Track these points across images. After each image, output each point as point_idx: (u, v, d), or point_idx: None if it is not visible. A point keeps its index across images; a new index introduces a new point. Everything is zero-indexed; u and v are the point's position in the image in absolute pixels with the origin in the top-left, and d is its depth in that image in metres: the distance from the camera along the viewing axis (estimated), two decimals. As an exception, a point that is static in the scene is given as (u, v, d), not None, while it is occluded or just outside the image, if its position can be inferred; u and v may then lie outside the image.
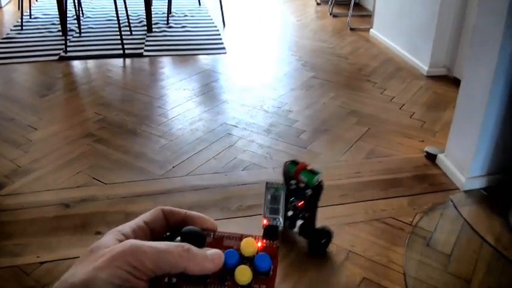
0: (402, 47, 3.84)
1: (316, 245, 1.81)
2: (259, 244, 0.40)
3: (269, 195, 0.43)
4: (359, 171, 2.32)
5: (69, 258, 1.76)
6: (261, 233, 0.42)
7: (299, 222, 1.80)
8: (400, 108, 2.96)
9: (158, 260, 0.35)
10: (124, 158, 2.40)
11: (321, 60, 3.77)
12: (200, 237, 0.39)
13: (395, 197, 2.14)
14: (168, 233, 0.41)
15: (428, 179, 2.27)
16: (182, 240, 0.38)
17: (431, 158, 2.41)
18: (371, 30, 4.40)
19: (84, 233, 1.90)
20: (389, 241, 1.87)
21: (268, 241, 0.41)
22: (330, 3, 5.18)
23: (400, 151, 2.50)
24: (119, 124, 2.74)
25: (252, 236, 0.41)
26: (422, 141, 2.58)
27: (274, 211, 0.42)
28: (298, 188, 1.74)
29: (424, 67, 3.50)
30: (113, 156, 2.42)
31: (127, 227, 0.40)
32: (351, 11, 4.65)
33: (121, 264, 0.34)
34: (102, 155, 2.43)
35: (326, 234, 1.82)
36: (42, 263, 1.75)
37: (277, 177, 2.25)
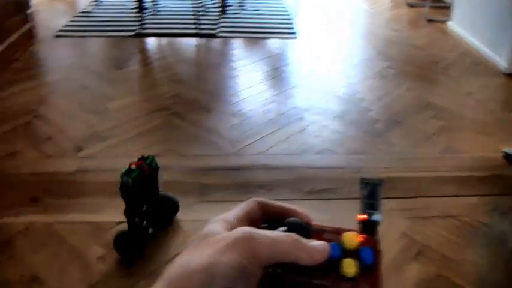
0: (481, 41, 3.71)
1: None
2: (360, 239, 0.40)
3: (365, 191, 0.42)
4: (434, 165, 2.26)
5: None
6: (351, 224, 0.41)
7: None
8: (477, 105, 2.87)
9: (273, 248, 0.35)
10: (197, 132, 2.44)
11: (396, 51, 3.70)
12: (306, 230, 0.39)
13: (471, 195, 2.07)
14: (264, 225, 0.41)
15: (505, 180, 2.19)
16: (288, 231, 0.38)
17: (510, 158, 2.32)
18: (448, 22, 4.26)
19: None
20: (463, 238, 1.82)
21: (368, 236, 0.40)
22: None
23: (477, 149, 2.42)
24: (193, 100, 2.78)
25: (351, 230, 0.40)
26: (501, 140, 2.48)
27: (371, 206, 0.41)
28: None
29: (503, 63, 3.36)
30: (187, 129, 2.47)
31: (229, 216, 0.39)
32: (429, 2, 4.51)
33: (240, 251, 0.34)
34: (176, 127, 2.48)
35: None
36: (118, 223, 1.81)
37: (350, 164, 2.23)
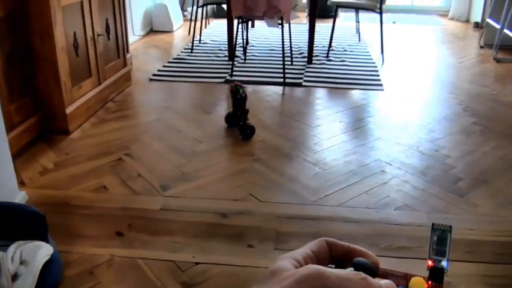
0: None
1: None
2: (425, 286, 0.40)
3: (435, 237, 0.43)
4: (519, 229, 2.17)
5: (222, 264, 1.88)
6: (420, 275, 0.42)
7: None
8: None
9: (340, 286, 0.35)
10: (279, 180, 2.50)
11: (483, 106, 3.61)
12: (373, 270, 0.39)
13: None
14: (332, 264, 0.42)
15: None
16: (355, 271, 0.38)
17: None
18: (540, 80, 4.12)
19: (238, 243, 2.01)
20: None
21: (434, 283, 0.41)
22: (494, 46, 4.94)
23: None
24: (276, 147, 2.87)
25: (419, 276, 0.41)
26: None
27: (440, 253, 0.42)
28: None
29: None
30: (270, 176, 2.54)
31: (297, 254, 0.41)
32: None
33: (307, 286, 0.35)
34: (259, 173, 2.56)
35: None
36: (197, 263, 1.89)
37: (430, 223, 2.19)
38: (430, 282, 0.41)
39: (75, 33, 3.03)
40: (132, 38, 5.04)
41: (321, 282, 0.35)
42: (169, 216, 2.20)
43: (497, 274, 1.89)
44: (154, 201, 2.30)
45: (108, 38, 3.57)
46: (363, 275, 0.37)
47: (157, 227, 2.12)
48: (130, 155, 2.74)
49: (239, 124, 2.99)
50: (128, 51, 4.05)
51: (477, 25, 6.32)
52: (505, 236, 2.12)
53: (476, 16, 6.45)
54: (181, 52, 4.83)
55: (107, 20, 3.52)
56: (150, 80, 4.06)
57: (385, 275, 0.41)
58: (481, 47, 5.39)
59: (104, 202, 2.30)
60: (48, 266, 1.71)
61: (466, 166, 2.70)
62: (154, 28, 5.78)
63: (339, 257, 0.42)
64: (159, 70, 4.26)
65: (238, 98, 2.98)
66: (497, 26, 4.95)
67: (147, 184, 2.45)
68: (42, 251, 1.73)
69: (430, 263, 0.42)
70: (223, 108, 3.54)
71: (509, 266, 1.94)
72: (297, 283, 0.35)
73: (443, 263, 0.42)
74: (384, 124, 3.28)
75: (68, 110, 2.96)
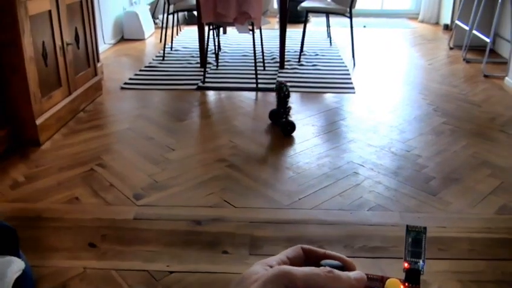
0: (544, 100, 3.63)
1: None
2: (403, 286, 0.40)
3: (410, 238, 0.43)
4: (490, 226, 2.21)
5: (198, 272, 1.87)
6: (397, 276, 0.42)
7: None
8: (539, 164, 2.79)
9: (308, 281, 0.36)
10: (253, 185, 2.50)
11: (453, 106, 3.67)
12: (342, 268, 0.40)
13: (528, 260, 2.00)
14: None
15: None
16: None
17: None
18: (506, 78, 4.21)
19: (212, 250, 2.00)
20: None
21: (410, 285, 0.41)
22: (463, 48, 5.04)
23: (536, 210, 2.35)
24: (250, 153, 2.87)
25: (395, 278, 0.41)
26: None
27: (415, 254, 0.43)
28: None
29: None
30: (243, 181, 2.53)
31: (272, 260, 0.41)
32: (486, 58, 4.48)
33: (276, 286, 0.36)
34: (233, 179, 2.55)
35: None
36: (171, 272, 1.87)
37: (404, 222, 2.22)
38: (406, 284, 0.41)
39: (43, 43, 2.99)
40: (102, 47, 5.00)
41: (287, 280, 0.36)
42: (143, 225, 2.17)
43: (469, 270, 1.92)
44: (127, 211, 2.28)
45: (78, 47, 3.53)
46: (329, 269, 0.38)
47: (130, 237, 2.09)
48: (102, 165, 2.71)
49: (281, 121, 3.16)
50: (98, 60, 4.01)
51: (446, 27, 6.44)
52: (476, 233, 2.15)
53: (446, 18, 6.57)
54: (153, 60, 4.81)
55: (76, 28, 3.48)
56: (122, 88, 4.03)
57: None
58: (451, 48, 5.49)
59: (76, 214, 2.27)
60: (20, 282, 1.67)
61: (438, 165, 2.74)
62: (125, 36, 5.74)
63: (315, 263, 0.42)
64: (130, 78, 4.23)
65: (282, 96, 3.15)
66: (466, 28, 5.05)
67: (120, 194, 2.42)
68: (14, 267, 1.69)
69: (406, 265, 0.42)
70: (196, 114, 3.53)
71: (481, 262, 1.97)
72: (265, 284, 0.36)
73: (418, 265, 0.42)
74: (356, 126, 3.31)
75: (38, 121, 2.92)
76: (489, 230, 2.17)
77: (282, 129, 3.14)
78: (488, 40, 4.48)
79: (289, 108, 3.17)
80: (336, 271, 0.38)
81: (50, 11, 3.05)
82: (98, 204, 2.34)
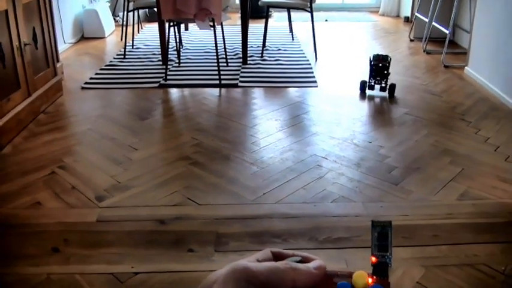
0: (498, 86, 3.72)
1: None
2: (370, 280, 0.40)
3: (376, 233, 0.43)
4: (451, 212, 2.25)
5: (163, 272, 1.85)
6: (365, 270, 0.42)
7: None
8: (496, 150, 2.86)
9: (268, 274, 0.37)
10: (218, 182, 2.49)
11: (414, 97, 3.73)
12: (301, 262, 0.40)
13: (488, 242, 2.05)
14: None
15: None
16: None
17: (529, 203, 2.30)
18: (466, 68, 4.30)
19: (177, 249, 1.98)
20: (480, 288, 1.80)
21: (379, 278, 0.41)
22: (423, 39, 5.13)
23: (495, 195, 2.40)
24: (214, 149, 2.85)
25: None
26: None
27: (382, 248, 0.43)
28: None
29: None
30: (207, 179, 2.52)
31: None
32: (445, 48, 4.57)
33: (236, 282, 0.36)
34: (197, 177, 2.54)
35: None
36: (136, 273, 1.85)
37: (367, 212, 2.24)
38: (375, 277, 0.41)
39: (0, 44, 2.91)
40: (62, 46, 4.90)
41: (246, 275, 0.36)
42: (106, 227, 2.14)
43: (433, 256, 1.95)
44: (90, 213, 2.24)
45: (36, 47, 3.45)
46: (287, 262, 0.38)
47: (94, 240, 2.06)
48: (64, 168, 2.66)
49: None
50: (58, 60, 3.93)
51: (407, 19, 6.53)
52: (438, 219, 2.20)
53: (406, 11, 6.67)
54: (114, 58, 4.74)
55: (34, 28, 3.40)
56: (83, 88, 3.96)
57: (331, 276, 0.42)
58: (411, 40, 5.58)
59: (39, 218, 2.22)
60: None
61: (399, 155, 2.79)
62: (85, 35, 5.64)
63: None
64: (91, 78, 4.16)
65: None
66: (426, 20, 5.13)
67: (82, 196, 2.38)
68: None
69: (373, 259, 0.42)
70: (158, 113, 3.49)
71: (443, 247, 2.01)
72: (224, 282, 0.36)
73: (385, 258, 0.42)
74: (319, 120, 3.33)
75: (-3, 125, 2.84)
76: (451, 216, 2.22)
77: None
78: (447, 31, 4.57)
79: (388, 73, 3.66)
80: (295, 264, 0.38)
81: (6, 11, 2.97)
82: (60, 207, 2.29)
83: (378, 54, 3.74)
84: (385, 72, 3.69)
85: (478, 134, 3.09)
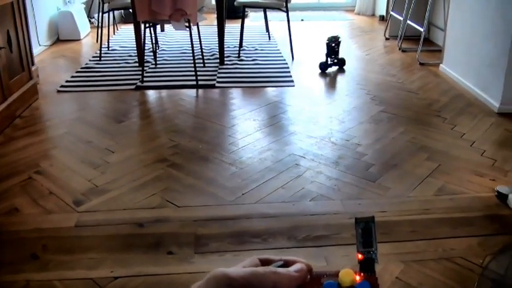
0: (473, 83, 3.78)
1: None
2: (358, 278, 0.40)
3: (360, 229, 0.43)
4: (429, 207, 2.28)
5: (142, 275, 1.84)
6: (346, 267, 0.42)
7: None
8: (471, 146, 2.91)
9: (248, 277, 0.37)
10: (196, 183, 2.49)
11: (390, 95, 3.77)
12: (283, 266, 0.40)
13: (465, 236, 2.08)
14: None
15: (499, 220, 2.21)
16: None
17: (503, 197, 2.34)
18: (441, 65, 4.36)
19: (157, 252, 1.97)
20: (459, 282, 1.82)
21: (366, 274, 0.41)
22: (399, 38, 5.18)
23: (471, 189, 2.44)
24: (192, 151, 2.84)
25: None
26: (494, 180, 2.51)
27: (367, 244, 0.43)
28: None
29: (495, 104, 3.42)
30: (186, 180, 2.51)
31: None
32: (420, 46, 4.63)
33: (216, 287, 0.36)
34: (175, 179, 2.53)
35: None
36: (116, 277, 1.84)
37: (345, 210, 2.26)
38: (362, 274, 0.41)
39: (-29, 49, 2.86)
40: (37, 49, 4.83)
41: (226, 280, 0.36)
42: (84, 232, 2.12)
43: (412, 251, 1.98)
44: (68, 218, 2.22)
45: (11, 51, 3.39)
46: (269, 267, 0.39)
47: (72, 245, 2.04)
48: (41, 173, 2.62)
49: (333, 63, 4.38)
50: (33, 63, 3.88)
51: (382, 18, 6.59)
52: (415, 215, 2.22)
53: (381, 10, 6.72)
54: (90, 61, 4.69)
55: (8, 31, 3.34)
56: (58, 91, 3.91)
57: (318, 277, 0.42)
58: (387, 38, 5.63)
59: (16, 225, 2.18)
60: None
61: (376, 152, 2.81)
62: (60, 37, 5.57)
63: None
64: (67, 81, 4.11)
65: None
66: (401, 18, 5.19)
67: (60, 201, 2.35)
68: None
69: (359, 256, 0.42)
70: (135, 115, 3.47)
71: (422, 242, 2.03)
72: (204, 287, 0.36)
73: (371, 254, 0.42)
74: (296, 119, 3.34)
75: (-30, 131, 2.79)
76: (428, 211, 2.25)
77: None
78: (422, 30, 4.62)
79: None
80: (276, 268, 0.38)
81: (-23, 15, 2.92)
82: (38, 213, 2.26)
83: (332, 36, 4.38)
84: (336, 49, 4.38)
85: (453, 130, 3.13)
